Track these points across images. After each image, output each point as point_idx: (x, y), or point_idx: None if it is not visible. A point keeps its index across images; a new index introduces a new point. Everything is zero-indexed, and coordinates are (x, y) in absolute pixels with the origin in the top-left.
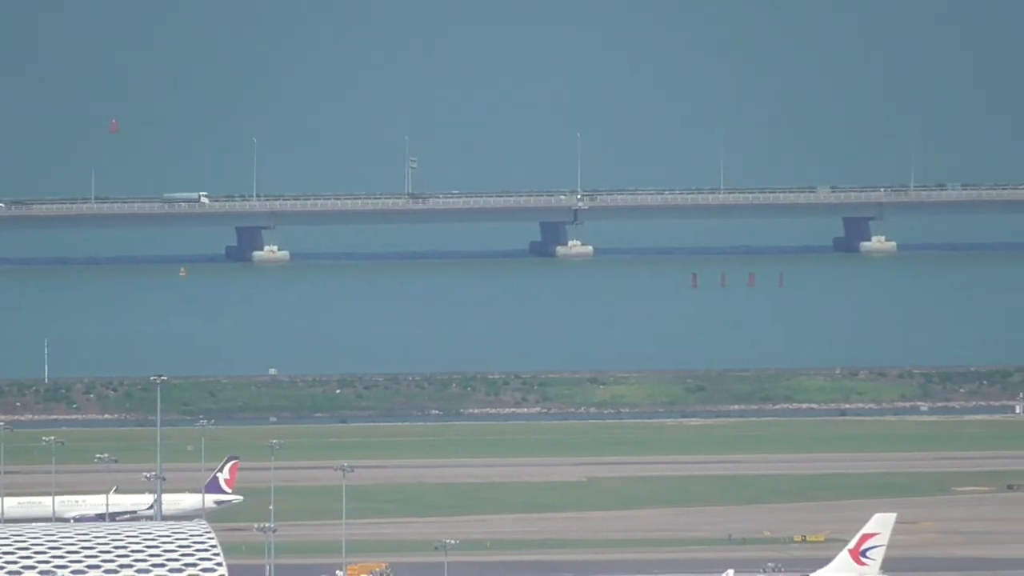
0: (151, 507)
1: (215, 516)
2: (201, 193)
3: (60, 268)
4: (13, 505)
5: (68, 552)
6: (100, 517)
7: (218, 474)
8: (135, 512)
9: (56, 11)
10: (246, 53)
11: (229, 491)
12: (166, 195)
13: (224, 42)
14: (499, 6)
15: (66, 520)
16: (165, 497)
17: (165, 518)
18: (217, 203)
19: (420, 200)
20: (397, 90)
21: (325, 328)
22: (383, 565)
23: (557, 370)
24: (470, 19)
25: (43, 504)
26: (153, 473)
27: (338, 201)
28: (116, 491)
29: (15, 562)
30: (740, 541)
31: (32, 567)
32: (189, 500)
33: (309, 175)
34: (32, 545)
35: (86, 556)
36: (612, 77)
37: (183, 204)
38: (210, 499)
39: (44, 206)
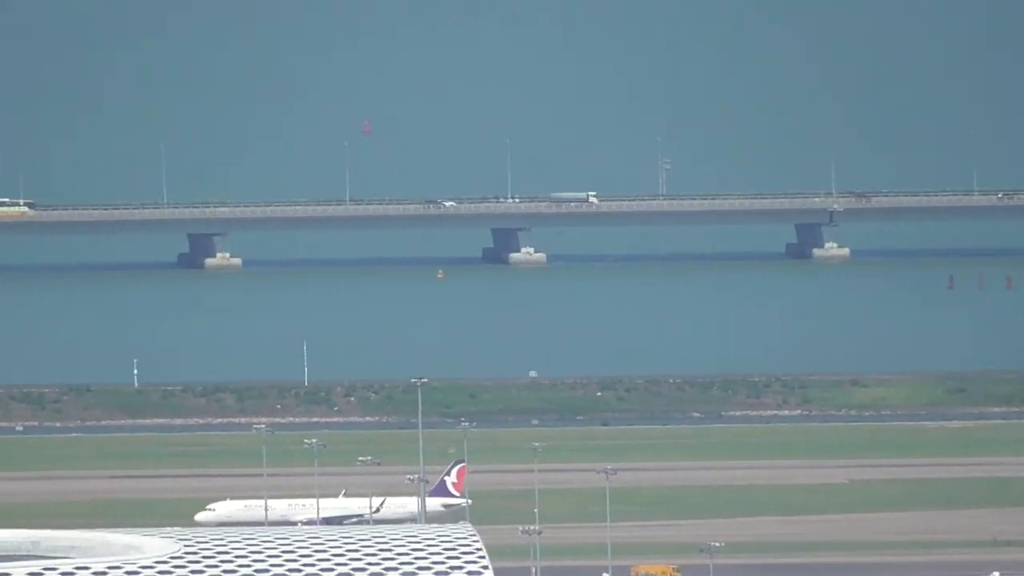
0: (376, 511)
1: (442, 518)
2: (446, 199)
3: (315, 269)
4: (240, 508)
5: (334, 555)
6: (327, 521)
7: (445, 477)
8: (362, 516)
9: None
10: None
11: (457, 495)
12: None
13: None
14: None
15: (294, 523)
16: (390, 500)
17: (389, 522)
18: (471, 205)
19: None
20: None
21: (585, 330)
22: (671, 568)
23: (817, 372)
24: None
25: (271, 508)
26: (416, 475)
27: (603, 203)
28: (344, 495)
29: (280, 564)
30: (1006, 543)
31: (298, 570)
32: (416, 504)
33: (562, 175)
34: (297, 547)
35: (351, 559)
36: (865, 79)
37: (441, 206)
38: (437, 502)
39: (299, 207)
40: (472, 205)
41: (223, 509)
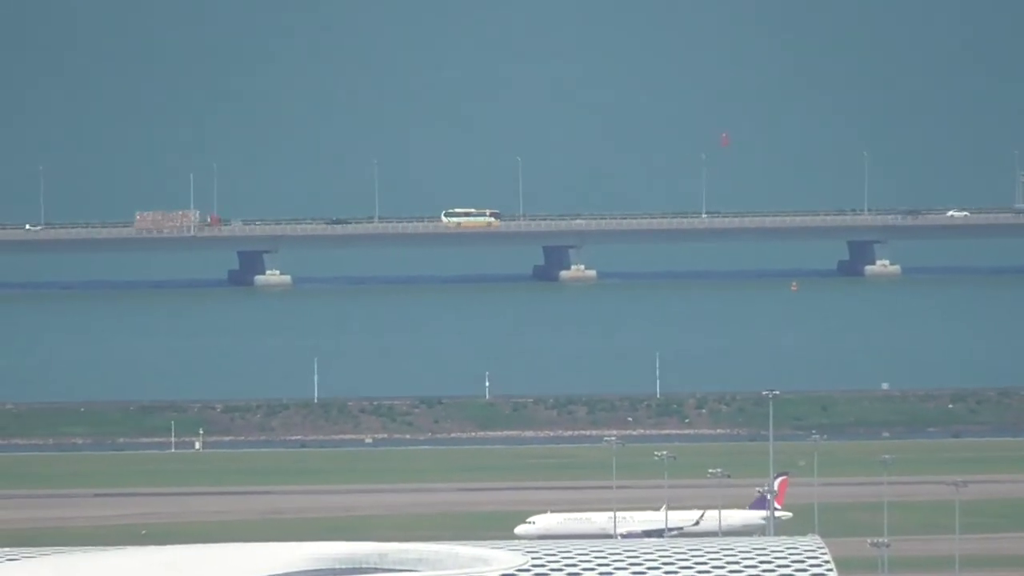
0: (696, 523)
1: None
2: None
3: (665, 280)
4: (559, 521)
5: (682, 567)
6: (647, 534)
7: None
8: (682, 528)
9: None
10: None
11: (778, 507)
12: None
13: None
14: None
15: (612, 536)
16: (710, 513)
17: (710, 535)
18: (820, 217)
19: None
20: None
21: (938, 342)
22: None
23: None
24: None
25: (591, 520)
26: (765, 487)
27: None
28: (667, 507)
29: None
30: None
31: None
32: (738, 516)
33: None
34: (644, 559)
35: (699, 572)
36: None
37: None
38: (759, 515)
39: (654, 220)
40: (827, 217)
41: (543, 522)
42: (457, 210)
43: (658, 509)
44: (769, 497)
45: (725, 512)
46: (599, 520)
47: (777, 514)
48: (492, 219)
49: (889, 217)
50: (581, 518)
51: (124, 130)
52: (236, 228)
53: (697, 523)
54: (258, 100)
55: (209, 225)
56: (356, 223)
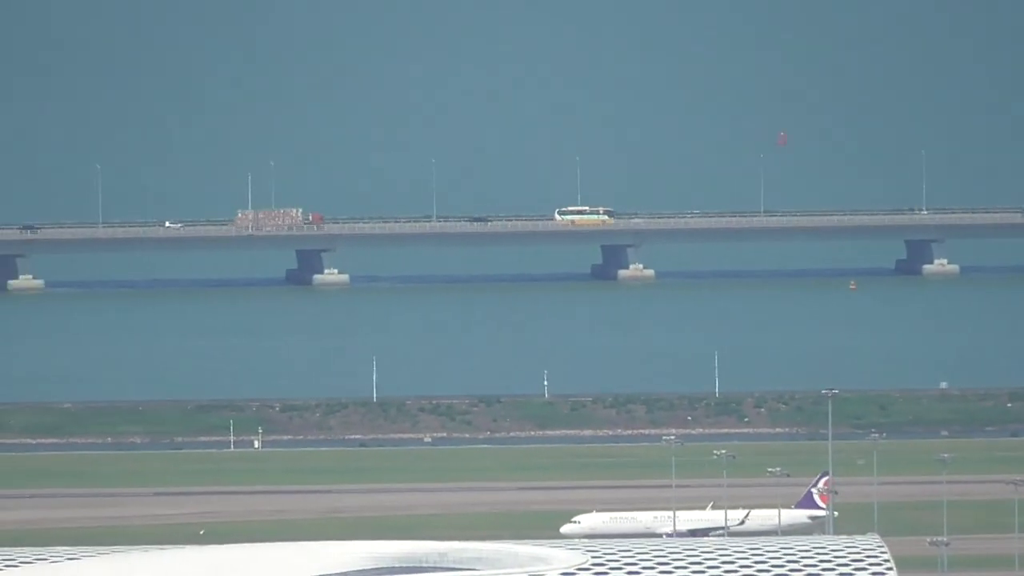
0: (741, 523)
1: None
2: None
3: (723, 279)
4: (605, 520)
5: (741, 566)
6: (692, 533)
7: (812, 489)
8: (727, 528)
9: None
10: None
11: (823, 506)
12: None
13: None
14: None
15: (658, 535)
16: (755, 513)
17: (754, 534)
18: (878, 216)
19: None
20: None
21: (994, 341)
22: None
23: None
24: None
25: (636, 519)
26: (826, 487)
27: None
28: (712, 507)
29: None
30: None
31: None
32: (784, 516)
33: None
34: (704, 558)
35: (758, 570)
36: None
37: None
38: (803, 514)
39: (712, 219)
40: (885, 216)
41: (588, 521)
42: (570, 208)
43: (704, 508)
44: (815, 495)
45: (770, 511)
46: (644, 519)
47: (822, 513)
48: (606, 217)
49: (947, 216)
50: (626, 517)
51: (185, 130)
52: (292, 216)
53: (742, 522)
54: (319, 98)
55: (310, 223)
56: (413, 222)
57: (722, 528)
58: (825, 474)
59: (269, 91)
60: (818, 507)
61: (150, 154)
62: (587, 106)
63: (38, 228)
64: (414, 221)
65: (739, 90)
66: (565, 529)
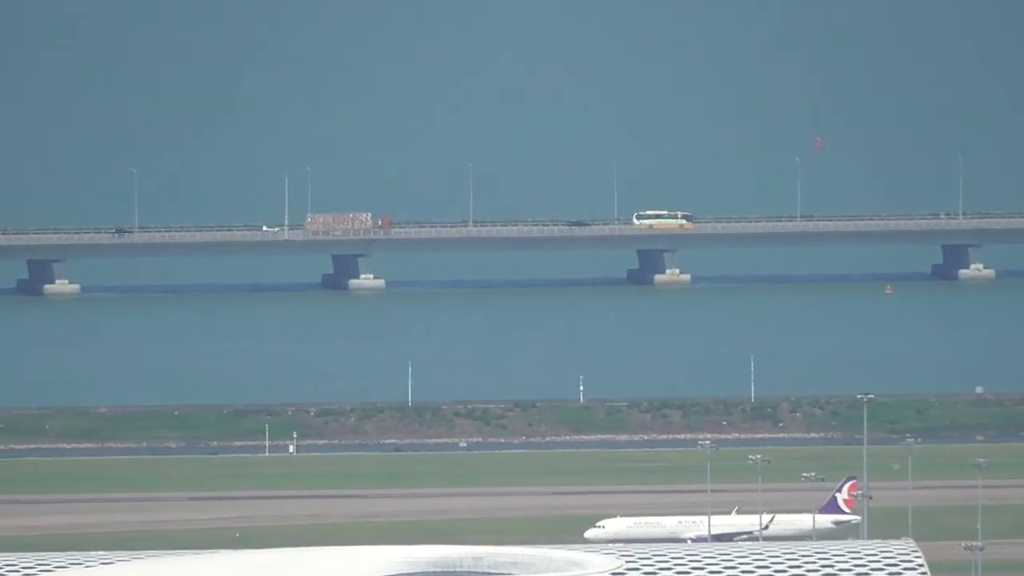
0: (765, 527)
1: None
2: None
3: (759, 284)
4: (629, 524)
5: (776, 571)
6: (717, 538)
7: (836, 494)
8: (751, 532)
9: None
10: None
11: (848, 511)
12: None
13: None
14: None
15: (683, 540)
16: (780, 518)
17: (778, 538)
18: (914, 221)
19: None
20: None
21: None
22: None
23: None
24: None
25: (661, 524)
26: (860, 491)
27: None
28: (737, 511)
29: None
30: None
31: None
32: (807, 521)
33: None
34: (739, 563)
35: (792, 573)
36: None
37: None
38: (828, 519)
39: (749, 224)
40: (921, 221)
41: (612, 526)
42: (649, 212)
43: (729, 513)
44: (866, 502)
45: (796, 517)
46: (668, 524)
47: (846, 518)
48: (684, 221)
49: (983, 220)
50: (651, 522)
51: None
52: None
53: (766, 527)
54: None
55: (380, 227)
56: (450, 226)
57: (747, 533)
58: (851, 479)
59: (302, 95)
60: (843, 512)
61: (185, 158)
62: (621, 111)
63: (128, 231)
64: (450, 226)
65: (775, 95)
66: (590, 534)
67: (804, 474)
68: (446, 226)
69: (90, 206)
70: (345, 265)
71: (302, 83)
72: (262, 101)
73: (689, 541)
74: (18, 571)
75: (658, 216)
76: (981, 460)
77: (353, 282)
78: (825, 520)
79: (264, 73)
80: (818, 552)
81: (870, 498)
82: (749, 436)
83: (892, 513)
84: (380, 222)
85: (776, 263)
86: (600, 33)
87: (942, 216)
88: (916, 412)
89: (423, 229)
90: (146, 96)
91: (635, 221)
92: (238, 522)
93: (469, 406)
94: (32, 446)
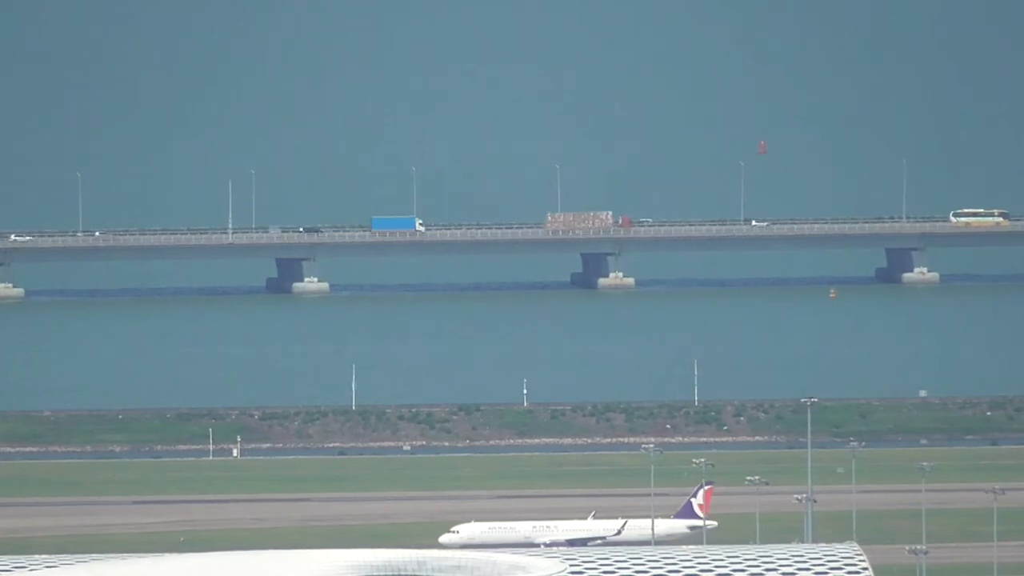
0: (618, 532)
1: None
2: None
3: (703, 288)
4: (484, 530)
5: (719, 573)
6: (570, 543)
7: (692, 499)
8: (604, 538)
9: None
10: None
11: (702, 516)
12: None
13: None
14: None
15: (536, 545)
16: (632, 523)
17: (631, 543)
18: (858, 225)
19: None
20: None
21: (974, 349)
22: None
23: None
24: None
25: (515, 529)
26: (804, 495)
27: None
28: (594, 516)
29: None
30: None
31: None
32: (662, 525)
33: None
34: (682, 565)
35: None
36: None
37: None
38: (683, 524)
39: (693, 227)
40: (865, 224)
41: (467, 531)
42: (965, 211)
43: (584, 518)
44: (810, 506)
45: (645, 521)
46: (522, 529)
47: (700, 523)
48: (1001, 219)
49: (927, 224)
50: (505, 527)
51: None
52: (274, 236)
53: (619, 532)
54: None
55: (620, 226)
56: (396, 232)
57: (601, 538)
58: (705, 484)
59: (252, 99)
60: (697, 517)
61: (131, 161)
62: (567, 114)
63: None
64: (397, 232)
65: (719, 98)
66: (444, 539)
67: (748, 478)
68: (393, 233)
69: (33, 210)
70: (289, 269)
71: (251, 87)
72: (207, 106)
73: (543, 546)
74: None
75: (975, 214)
76: (925, 464)
77: (297, 285)
78: (680, 525)
79: (209, 76)
80: (762, 555)
81: (814, 501)
82: (693, 440)
83: (836, 517)
84: (620, 220)
85: (720, 267)
86: (544, 37)
87: (886, 220)
88: (860, 416)
89: (368, 233)
90: (91, 98)
91: (952, 219)
92: (183, 526)
93: (413, 409)
94: None
